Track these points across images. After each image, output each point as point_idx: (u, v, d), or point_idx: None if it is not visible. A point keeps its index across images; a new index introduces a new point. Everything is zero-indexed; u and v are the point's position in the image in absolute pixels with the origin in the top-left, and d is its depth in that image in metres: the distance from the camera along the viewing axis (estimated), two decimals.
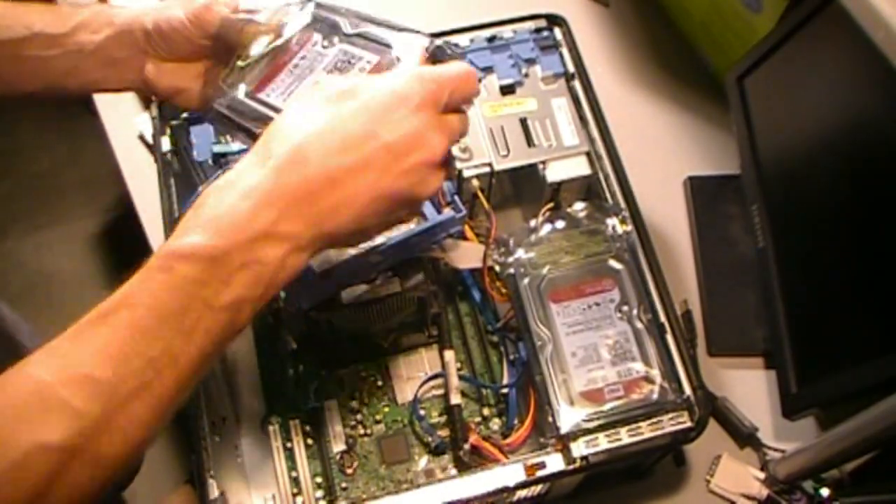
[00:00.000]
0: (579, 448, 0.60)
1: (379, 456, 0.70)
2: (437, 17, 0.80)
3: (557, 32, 0.78)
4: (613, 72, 0.98)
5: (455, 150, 0.71)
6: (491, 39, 0.77)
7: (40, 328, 0.88)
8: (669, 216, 0.88)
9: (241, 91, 0.56)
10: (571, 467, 0.60)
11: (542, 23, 0.79)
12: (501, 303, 0.71)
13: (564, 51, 0.77)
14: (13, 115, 1.92)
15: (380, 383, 0.73)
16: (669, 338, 0.64)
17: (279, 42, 0.57)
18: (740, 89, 0.82)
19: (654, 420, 0.61)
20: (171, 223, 0.69)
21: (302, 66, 0.55)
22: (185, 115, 0.73)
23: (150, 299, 0.40)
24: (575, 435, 0.60)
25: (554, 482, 0.61)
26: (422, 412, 0.71)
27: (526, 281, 0.67)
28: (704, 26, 0.95)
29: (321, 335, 0.68)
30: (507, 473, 0.59)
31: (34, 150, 1.91)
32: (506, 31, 0.78)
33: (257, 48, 0.57)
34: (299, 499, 0.67)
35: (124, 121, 0.93)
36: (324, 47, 0.55)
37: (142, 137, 0.92)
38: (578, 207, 0.72)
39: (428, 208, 0.68)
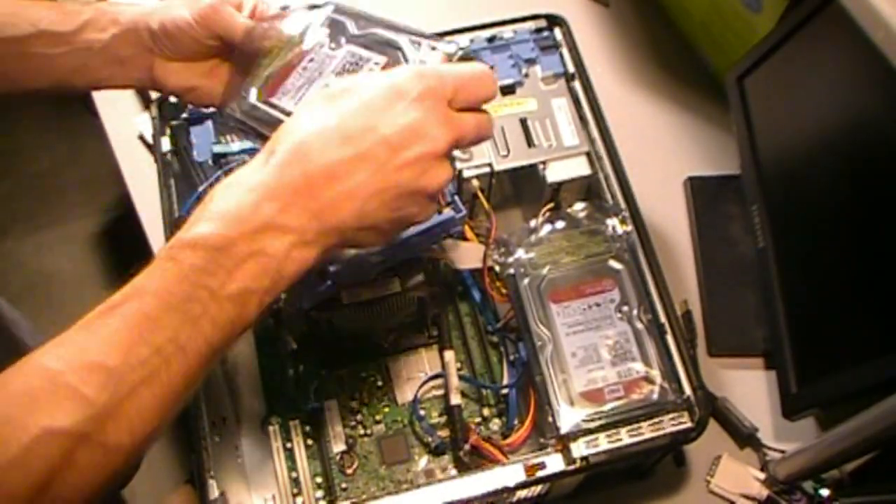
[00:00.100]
0: (579, 448, 0.60)
1: (379, 456, 0.70)
2: (437, 17, 0.80)
3: (557, 32, 0.78)
4: (613, 72, 0.98)
5: (455, 151, 0.71)
6: (491, 39, 0.77)
7: (40, 328, 0.88)
8: (669, 216, 0.88)
9: (252, 95, 0.56)
10: (571, 467, 0.60)
11: (542, 23, 0.79)
12: (501, 303, 0.71)
13: (564, 51, 0.77)
14: (13, 115, 1.92)
15: (380, 383, 0.73)
16: (669, 338, 0.64)
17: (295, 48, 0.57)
18: (740, 89, 0.82)
19: (655, 420, 0.61)
20: (171, 223, 0.69)
21: (311, 68, 0.55)
22: (185, 115, 0.73)
23: (156, 288, 0.41)
24: (575, 435, 0.60)
25: (554, 482, 0.61)
26: (422, 412, 0.71)
27: (526, 281, 0.67)
28: (704, 26, 0.95)
29: (321, 335, 0.68)
30: (507, 473, 0.59)
31: (34, 150, 1.91)
32: (506, 32, 0.78)
33: (281, 58, 0.57)
34: (299, 499, 0.67)
35: (124, 121, 0.93)
36: (331, 49, 0.55)
37: (142, 137, 0.92)
38: (578, 207, 0.72)
39: None
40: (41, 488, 0.36)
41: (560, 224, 0.70)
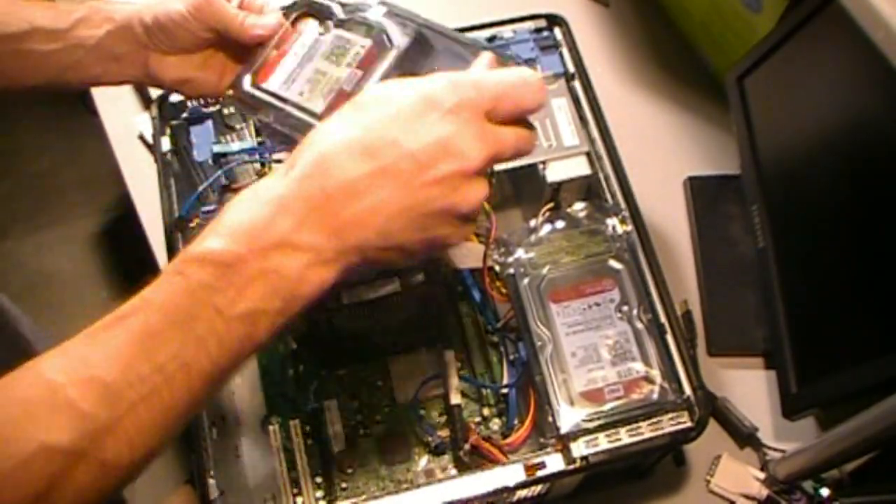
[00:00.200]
0: (579, 448, 0.60)
1: (379, 456, 0.70)
2: (436, 18, 0.80)
3: (557, 32, 0.78)
4: (613, 72, 0.98)
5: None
6: (491, 39, 0.77)
7: (40, 328, 0.88)
8: (669, 216, 0.88)
9: (246, 82, 0.57)
10: (571, 467, 0.60)
11: (542, 23, 0.79)
12: (501, 303, 0.71)
13: (564, 51, 0.77)
14: (13, 115, 1.92)
15: (380, 383, 0.73)
16: (669, 338, 0.64)
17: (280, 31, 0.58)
18: (740, 89, 0.82)
19: (654, 420, 0.61)
20: (171, 223, 0.69)
21: (301, 53, 0.56)
22: (185, 115, 0.73)
23: (162, 302, 0.39)
24: (575, 435, 0.60)
25: (554, 482, 0.61)
26: (422, 412, 0.71)
27: (526, 281, 0.67)
28: (704, 26, 0.95)
29: (321, 335, 0.68)
30: (507, 473, 0.59)
31: (34, 150, 1.91)
32: (506, 31, 0.78)
33: (273, 45, 0.58)
34: (299, 499, 0.67)
35: (124, 121, 0.93)
36: (320, 34, 0.56)
37: (142, 137, 0.92)
38: (578, 207, 0.72)
39: None
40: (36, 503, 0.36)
41: (560, 224, 0.70)
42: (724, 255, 0.85)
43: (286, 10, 0.58)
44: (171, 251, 0.68)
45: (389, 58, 0.51)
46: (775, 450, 0.74)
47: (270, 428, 0.69)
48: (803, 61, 0.74)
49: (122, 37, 0.59)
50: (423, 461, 0.70)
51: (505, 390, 0.70)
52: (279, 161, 0.72)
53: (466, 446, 0.66)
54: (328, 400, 0.71)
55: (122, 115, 0.93)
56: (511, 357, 0.71)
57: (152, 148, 0.74)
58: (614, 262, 0.68)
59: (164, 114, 0.73)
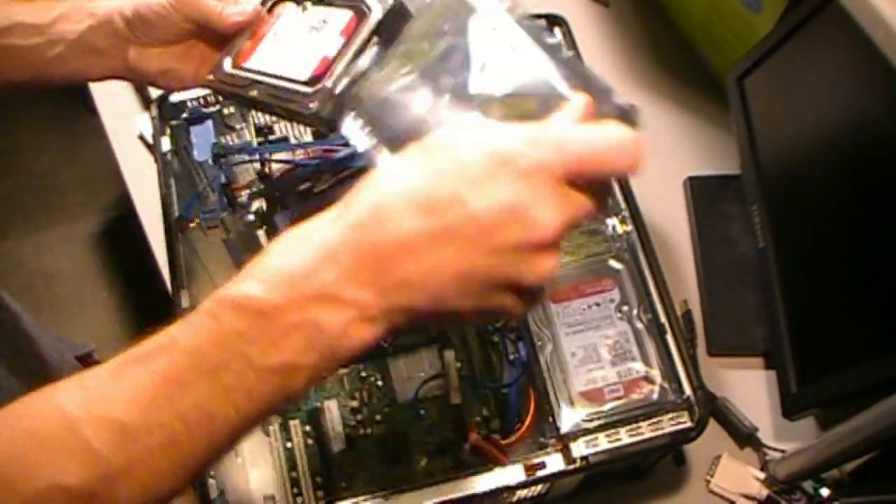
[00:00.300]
0: (579, 448, 0.60)
1: (379, 456, 0.70)
2: None
3: (557, 32, 0.78)
4: (613, 72, 0.98)
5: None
6: None
7: (41, 327, 0.88)
8: (669, 216, 0.88)
9: (227, 64, 0.58)
10: (571, 467, 0.60)
11: (542, 23, 0.79)
12: None
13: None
14: (13, 115, 1.92)
15: (380, 383, 0.73)
16: (669, 338, 0.64)
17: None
18: (740, 89, 0.82)
19: (654, 420, 0.61)
20: (171, 223, 0.69)
21: (281, 33, 0.57)
22: (185, 115, 0.73)
23: (190, 347, 0.37)
24: (575, 435, 0.60)
25: (554, 482, 0.61)
26: (422, 412, 0.71)
27: None
28: (704, 26, 0.95)
29: None
30: (507, 473, 0.59)
31: (34, 150, 1.91)
32: None
33: (252, 29, 0.60)
34: (299, 499, 0.67)
35: (124, 121, 0.93)
36: (298, 13, 0.57)
37: (142, 137, 0.92)
38: None
39: None
40: None
41: None
42: (724, 255, 0.85)
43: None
44: (171, 251, 0.68)
45: (370, 23, 0.51)
46: (775, 450, 0.74)
47: (270, 428, 0.69)
48: (803, 61, 0.74)
49: (102, 31, 0.59)
50: (423, 461, 0.70)
51: (505, 390, 0.70)
52: (280, 161, 0.72)
53: (466, 446, 0.66)
54: (328, 400, 0.71)
55: (122, 115, 0.93)
56: (511, 357, 0.71)
57: (152, 148, 0.74)
58: (614, 262, 0.68)
59: (164, 114, 0.73)
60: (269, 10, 0.59)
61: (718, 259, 0.85)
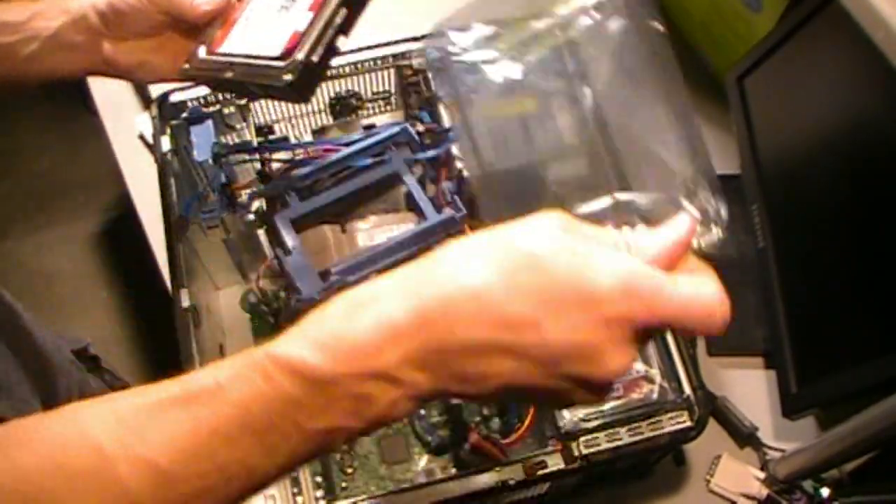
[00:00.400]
0: (579, 448, 0.60)
1: (379, 456, 0.70)
2: (436, 18, 0.80)
3: None
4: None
5: (455, 150, 0.72)
6: None
7: (41, 327, 0.88)
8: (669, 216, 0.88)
9: (202, 51, 0.59)
10: (571, 467, 0.60)
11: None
12: None
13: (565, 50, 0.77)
14: (13, 115, 1.92)
15: None
16: (669, 338, 0.64)
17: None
18: (740, 89, 0.82)
19: (654, 420, 0.61)
20: (171, 223, 0.69)
21: (251, 16, 0.58)
22: (185, 114, 0.73)
23: (239, 402, 0.36)
24: (575, 434, 0.60)
25: (554, 482, 0.61)
26: (422, 412, 0.71)
27: None
28: (704, 26, 0.95)
29: None
30: (507, 473, 0.59)
31: (34, 150, 1.91)
32: None
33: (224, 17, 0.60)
34: (299, 499, 0.67)
35: (124, 121, 0.93)
36: None
37: (142, 137, 0.92)
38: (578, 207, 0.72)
39: (428, 208, 0.68)
40: None
41: None
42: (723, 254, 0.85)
43: None
44: (171, 251, 0.68)
45: None
46: (775, 449, 0.74)
47: None
48: (803, 61, 0.74)
49: (76, 26, 0.60)
50: (423, 461, 0.70)
51: None
52: (280, 161, 0.72)
53: (466, 446, 0.67)
54: None
55: (122, 115, 0.93)
56: None
57: (152, 148, 0.74)
58: None
59: (164, 114, 0.73)
60: None
61: (718, 259, 0.85)
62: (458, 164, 0.71)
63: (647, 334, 0.37)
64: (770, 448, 0.75)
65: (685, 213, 0.40)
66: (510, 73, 0.53)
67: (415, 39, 0.78)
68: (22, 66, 0.61)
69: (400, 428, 0.71)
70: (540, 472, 0.59)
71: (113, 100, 0.94)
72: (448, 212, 0.67)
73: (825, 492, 0.70)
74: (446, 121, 0.74)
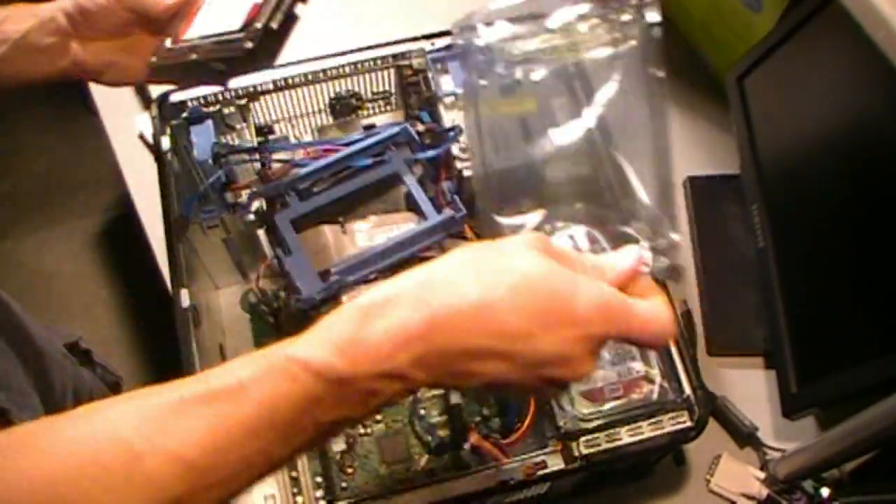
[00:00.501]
0: (579, 448, 0.60)
1: (379, 456, 0.70)
2: (436, 18, 0.80)
3: None
4: None
5: (455, 150, 0.72)
6: None
7: (41, 327, 0.88)
8: None
9: (167, 43, 0.61)
10: (571, 467, 0.60)
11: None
12: None
13: None
14: (13, 115, 1.92)
15: None
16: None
17: None
18: (740, 89, 0.82)
19: (654, 420, 0.61)
20: (171, 223, 0.69)
21: (214, 2, 0.60)
22: (185, 114, 0.73)
23: (264, 400, 0.39)
24: (575, 434, 0.60)
25: (554, 482, 0.61)
26: (422, 412, 0.71)
27: None
28: (704, 26, 0.95)
29: None
30: (507, 473, 0.59)
31: (34, 150, 1.91)
32: None
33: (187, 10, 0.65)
34: (299, 499, 0.67)
35: (124, 121, 0.93)
36: None
37: (142, 137, 0.92)
38: (578, 207, 0.72)
39: (428, 208, 0.68)
40: None
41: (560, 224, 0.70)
42: (724, 255, 0.85)
43: None
44: (171, 251, 0.68)
45: None
46: (775, 449, 0.74)
47: None
48: (803, 61, 0.74)
49: (45, 29, 0.61)
50: (422, 461, 0.70)
51: None
52: (280, 161, 0.72)
53: (466, 446, 0.66)
54: None
55: (122, 115, 0.93)
56: None
57: (152, 148, 0.73)
58: None
59: (164, 114, 0.73)
60: None
61: (718, 259, 0.85)
62: (458, 165, 0.71)
63: (605, 344, 0.44)
64: (770, 448, 0.75)
65: (633, 247, 0.48)
66: (527, 73, 0.57)
67: (415, 39, 0.78)
68: None
69: (400, 428, 0.71)
70: (540, 472, 0.60)
71: (113, 100, 0.94)
72: (448, 212, 0.67)
73: (825, 492, 0.70)
74: (446, 121, 0.74)
